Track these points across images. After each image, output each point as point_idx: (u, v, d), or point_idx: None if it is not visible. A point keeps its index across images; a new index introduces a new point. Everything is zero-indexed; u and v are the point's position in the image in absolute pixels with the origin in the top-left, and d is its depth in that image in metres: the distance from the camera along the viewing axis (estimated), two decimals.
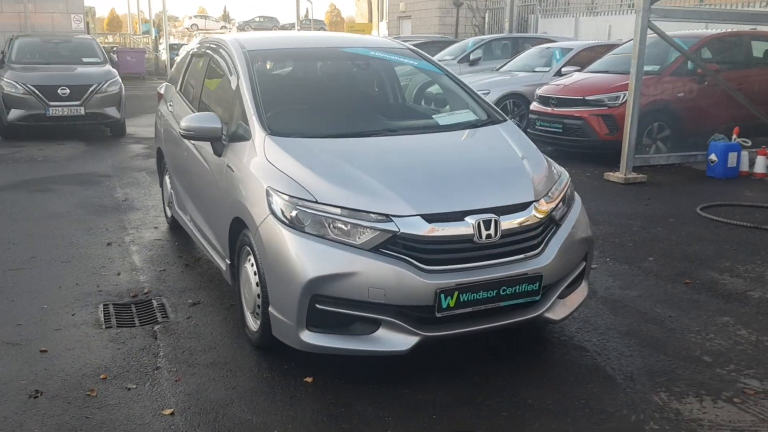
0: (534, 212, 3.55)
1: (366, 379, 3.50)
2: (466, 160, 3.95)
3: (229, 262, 4.17)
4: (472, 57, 14.76)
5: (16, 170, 9.01)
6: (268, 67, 4.68)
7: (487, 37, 17.18)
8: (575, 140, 9.69)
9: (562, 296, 3.72)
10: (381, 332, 3.33)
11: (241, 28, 53.71)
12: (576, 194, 4.05)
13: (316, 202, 3.40)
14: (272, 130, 3.95)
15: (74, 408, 3.26)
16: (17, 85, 11.02)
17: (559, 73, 11.66)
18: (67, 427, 3.11)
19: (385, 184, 3.48)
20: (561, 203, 3.77)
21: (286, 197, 3.46)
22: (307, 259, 3.30)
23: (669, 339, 3.99)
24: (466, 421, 3.15)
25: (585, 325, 4.19)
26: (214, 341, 3.99)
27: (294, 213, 3.40)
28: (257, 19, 56.33)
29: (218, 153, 4.29)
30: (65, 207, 7.07)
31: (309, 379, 3.49)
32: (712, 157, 8.62)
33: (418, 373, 3.57)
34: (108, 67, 12.30)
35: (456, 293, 3.29)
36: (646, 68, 8.72)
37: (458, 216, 3.38)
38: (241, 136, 4.10)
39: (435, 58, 16.29)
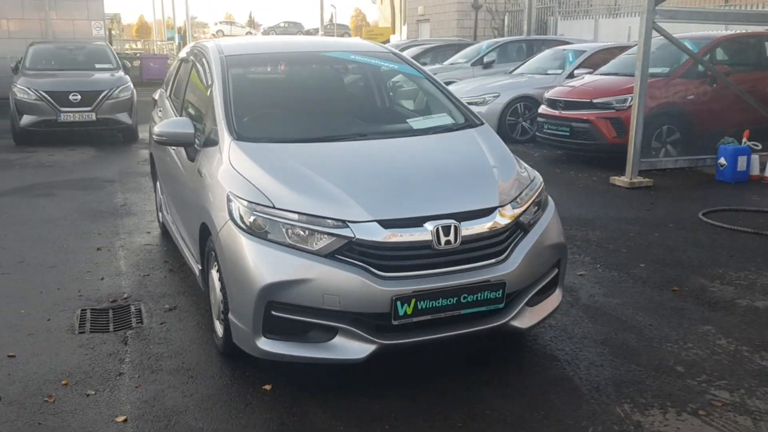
0: (498, 218, 3.47)
1: (325, 387, 3.45)
2: (431, 164, 3.88)
3: (200, 267, 4.15)
4: (485, 60, 14.66)
5: (23, 175, 9.13)
6: (242, 71, 4.66)
7: (502, 39, 17.05)
8: (583, 143, 9.53)
9: (531, 304, 3.62)
10: (338, 340, 3.27)
11: (266, 33, 54.10)
12: (550, 199, 3.95)
13: (274, 207, 3.36)
14: (239, 135, 3.92)
15: (29, 414, 3.25)
16: (29, 91, 11.17)
17: (571, 76, 11.49)
18: None
19: (343, 190, 3.42)
20: (533, 208, 3.68)
21: (245, 203, 3.43)
22: (262, 265, 3.26)
23: (644, 348, 3.87)
24: None
25: (561, 333, 4.09)
26: (183, 347, 3.97)
27: (252, 218, 3.37)
28: (282, 25, 56.68)
29: (191, 158, 4.28)
30: (63, 212, 7.12)
31: (267, 387, 3.45)
32: (722, 160, 8.41)
33: (379, 381, 3.51)
34: (120, 73, 12.41)
35: (413, 300, 3.22)
36: (656, 70, 8.54)
37: (417, 222, 3.31)
38: (213, 141, 4.08)
39: (449, 61, 16.14)
